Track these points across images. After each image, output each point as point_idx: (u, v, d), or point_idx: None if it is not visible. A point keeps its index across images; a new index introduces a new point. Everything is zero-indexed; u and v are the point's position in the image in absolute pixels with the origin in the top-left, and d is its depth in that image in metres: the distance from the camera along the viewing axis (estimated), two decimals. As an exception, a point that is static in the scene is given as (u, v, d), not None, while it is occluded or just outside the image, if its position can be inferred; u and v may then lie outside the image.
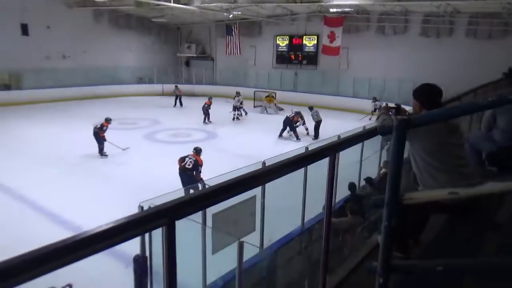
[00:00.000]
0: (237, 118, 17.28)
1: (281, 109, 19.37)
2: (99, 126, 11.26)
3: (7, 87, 19.89)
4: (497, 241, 2.36)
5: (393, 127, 1.18)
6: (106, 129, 11.36)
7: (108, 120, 11.50)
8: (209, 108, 16.60)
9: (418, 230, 2.86)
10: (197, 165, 7.93)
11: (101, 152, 11.30)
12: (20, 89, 20.05)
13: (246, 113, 17.83)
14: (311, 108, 14.64)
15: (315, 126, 14.19)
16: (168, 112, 18.88)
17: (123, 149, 11.74)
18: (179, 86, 22.35)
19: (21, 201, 7.98)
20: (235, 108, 17.36)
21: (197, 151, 8.26)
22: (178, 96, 21.73)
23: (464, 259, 1.24)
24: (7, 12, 18.10)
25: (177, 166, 8.08)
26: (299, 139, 13.75)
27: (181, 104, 21.52)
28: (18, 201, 7.96)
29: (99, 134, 11.19)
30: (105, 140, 11.27)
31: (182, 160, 8.06)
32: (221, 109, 17.55)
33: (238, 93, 17.78)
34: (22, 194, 8.25)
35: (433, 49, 18.31)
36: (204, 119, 16.51)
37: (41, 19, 19.79)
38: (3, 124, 15.03)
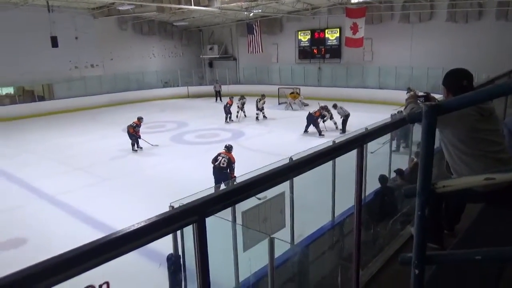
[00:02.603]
0: (236, 117, 17.17)
1: (306, 105, 19.21)
2: (131, 124, 12.43)
3: (41, 98, 20.76)
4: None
5: (422, 114, 1.14)
6: (137, 126, 12.38)
7: (139, 119, 12.66)
8: (231, 107, 16.80)
9: (453, 221, 2.77)
10: (231, 162, 7.95)
11: (133, 146, 12.38)
12: (52, 99, 20.87)
13: (245, 116, 17.53)
14: (335, 106, 14.37)
15: (343, 120, 13.99)
16: (194, 114, 19.14)
17: (152, 145, 12.77)
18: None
19: (57, 205, 8.31)
20: (238, 109, 17.35)
21: (228, 148, 8.28)
22: (218, 92, 22.92)
23: (506, 247, 1.18)
24: (38, 26, 18.86)
25: (208, 166, 8.16)
26: (322, 135, 13.52)
27: (220, 99, 22.31)
28: (55, 206, 8.30)
29: (130, 131, 12.31)
30: (140, 138, 12.43)
31: (215, 160, 8.09)
32: (246, 108, 17.63)
33: (242, 97, 17.69)
34: (58, 199, 8.60)
35: (462, 35, 17.62)
36: (226, 118, 16.67)
37: (69, 31, 20.48)
38: (39, 133, 15.70)
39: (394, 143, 8.92)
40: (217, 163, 8.00)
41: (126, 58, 23.78)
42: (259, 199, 4.45)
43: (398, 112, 11.28)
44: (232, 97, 17.42)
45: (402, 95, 15.32)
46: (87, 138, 14.46)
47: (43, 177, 10.14)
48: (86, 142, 13.87)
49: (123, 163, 11.39)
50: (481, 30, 17.10)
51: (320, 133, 13.64)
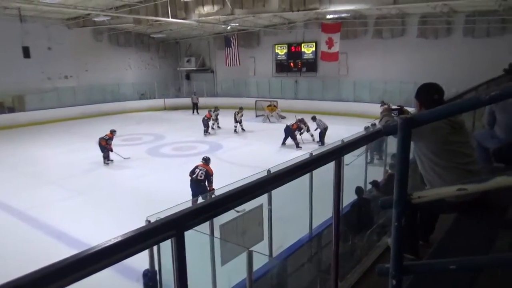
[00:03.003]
0: (212, 128, 17.23)
1: (283, 117, 19.41)
2: (103, 136, 12.18)
3: (11, 110, 20.09)
4: (509, 239, 2.33)
5: (398, 127, 1.18)
6: (109, 139, 12.15)
7: (112, 131, 12.42)
8: (209, 121, 16.84)
9: (427, 231, 2.83)
10: (209, 175, 7.92)
11: (105, 159, 12.12)
12: (23, 111, 20.23)
13: (219, 127, 17.67)
14: (314, 118, 14.54)
15: (321, 132, 14.14)
16: (171, 126, 18.98)
17: (124, 158, 12.53)
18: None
19: (28, 221, 7.99)
20: (213, 121, 17.39)
21: (206, 160, 8.27)
22: (195, 104, 23.05)
23: (477, 257, 1.22)
24: (9, 36, 18.38)
25: (185, 179, 8.08)
26: (300, 147, 13.65)
27: (197, 112, 22.45)
28: (25, 222, 7.97)
29: (102, 144, 12.05)
30: (111, 151, 12.20)
31: (192, 172, 8.04)
32: (224, 121, 17.64)
33: (216, 108, 17.86)
34: (29, 215, 8.27)
35: (432, 50, 18.33)
36: (205, 132, 16.60)
37: (42, 41, 20.06)
38: (9, 146, 15.15)
39: (367, 155, 9.14)
40: (194, 175, 7.94)
41: (101, 70, 23.41)
42: (238, 211, 4.43)
43: (371, 125, 11.57)
44: (211, 110, 17.45)
45: (377, 108, 15.75)
46: (60, 151, 14.05)
47: (13, 191, 9.75)
48: (59, 155, 13.47)
49: (97, 177, 11.11)
50: (450, 46, 17.85)
51: (297, 146, 13.76)
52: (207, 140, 15.74)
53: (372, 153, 9.20)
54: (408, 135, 1.19)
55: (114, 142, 12.48)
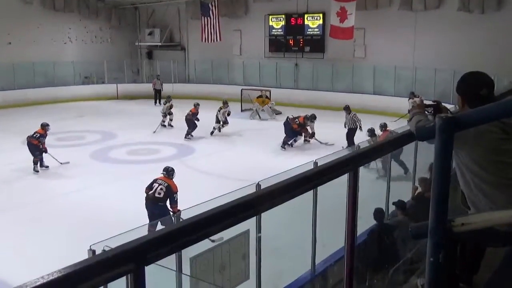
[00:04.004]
0: (166, 125, 17.39)
1: (279, 113, 19.45)
2: (32, 134, 12.06)
3: None
4: None
5: (436, 129, 1.19)
6: (41, 137, 12.06)
7: (44, 126, 12.28)
8: (195, 118, 16.10)
9: (470, 270, 2.86)
10: (171, 192, 7.88)
11: (36, 165, 11.95)
12: None
13: (170, 125, 17.65)
14: (347, 109, 14.48)
15: (353, 130, 14.11)
16: (125, 122, 18.84)
17: (61, 163, 12.48)
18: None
19: None
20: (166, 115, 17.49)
21: (169, 172, 8.22)
22: (158, 92, 23.12)
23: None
24: None
25: (143, 194, 8.04)
26: (284, 148, 14.07)
27: (160, 101, 22.42)
28: None
29: (33, 143, 11.90)
30: (45, 151, 12.09)
31: (149, 187, 8.02)
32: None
33: (168, 98, 17.99)
34: None
35: (477, 28, 18.50)
36: (187, 134, 15.92)
37: None
38: None
39: (379, 164, 9.23)
40: (151, 191, 7.90)
41: (30, 43, 23.18)
42: (213, 241, 4.42)
43: (368, 131, 11.70)
44: (198, 104, 16.60)
45: (404, 104, 15.89)
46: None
47: None
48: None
49: (21, 189, 10.99)
50: (501, 23, 17.98)
51: (284, 144, 14.09)
52: (175, 142, 15.58)
53: (394, 162, 9.25)
54: (449, 141, 1.20)
55: (47, 142, 12.35)
